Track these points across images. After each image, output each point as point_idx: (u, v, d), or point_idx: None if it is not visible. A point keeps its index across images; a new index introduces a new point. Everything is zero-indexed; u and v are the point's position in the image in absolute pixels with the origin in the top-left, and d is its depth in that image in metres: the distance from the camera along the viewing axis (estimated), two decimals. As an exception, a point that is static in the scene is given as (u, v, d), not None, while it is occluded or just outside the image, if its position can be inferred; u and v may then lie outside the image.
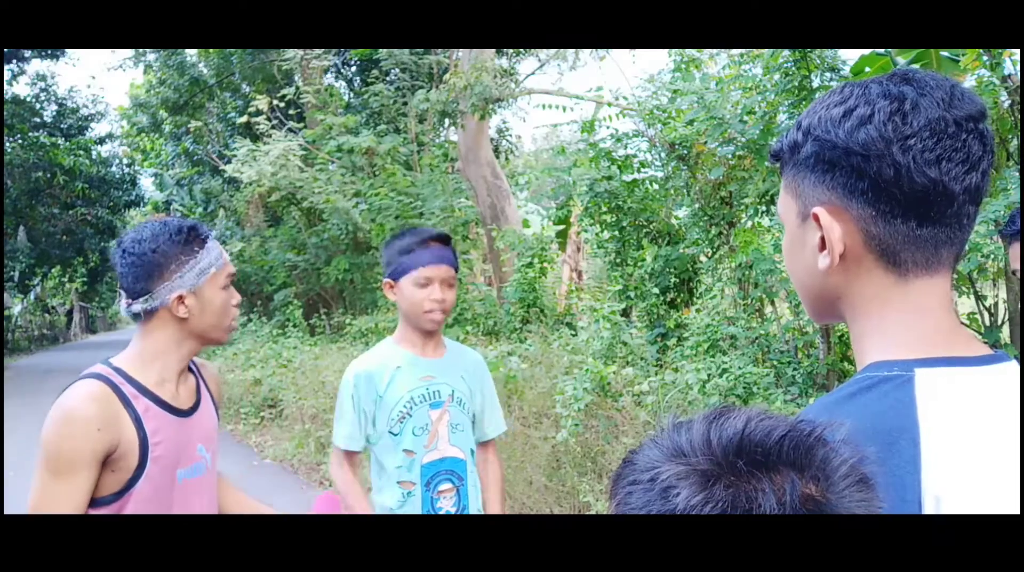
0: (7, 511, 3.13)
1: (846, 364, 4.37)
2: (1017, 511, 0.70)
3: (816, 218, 0.80)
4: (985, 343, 0.83)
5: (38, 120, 20.82)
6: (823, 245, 0.80)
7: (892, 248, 0.78)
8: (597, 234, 6.57)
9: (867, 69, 4.37)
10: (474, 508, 2.07)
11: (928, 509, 0.70)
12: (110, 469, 1.49)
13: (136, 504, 1.52)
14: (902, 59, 4.13)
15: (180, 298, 1.56)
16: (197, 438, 1.65)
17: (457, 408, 2.07)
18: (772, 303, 5.05)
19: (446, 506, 2.01)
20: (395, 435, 1.99)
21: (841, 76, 4.54)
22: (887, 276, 0.79)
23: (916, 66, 4.03)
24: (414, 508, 1.98)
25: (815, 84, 4.45)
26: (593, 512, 4.08)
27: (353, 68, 16.09)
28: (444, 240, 2.07)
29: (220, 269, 1.62)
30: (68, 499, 1.45)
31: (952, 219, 0.76)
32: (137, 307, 1.57)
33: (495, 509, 2.14)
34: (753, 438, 0.57)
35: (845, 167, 0.77)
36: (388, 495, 2.00)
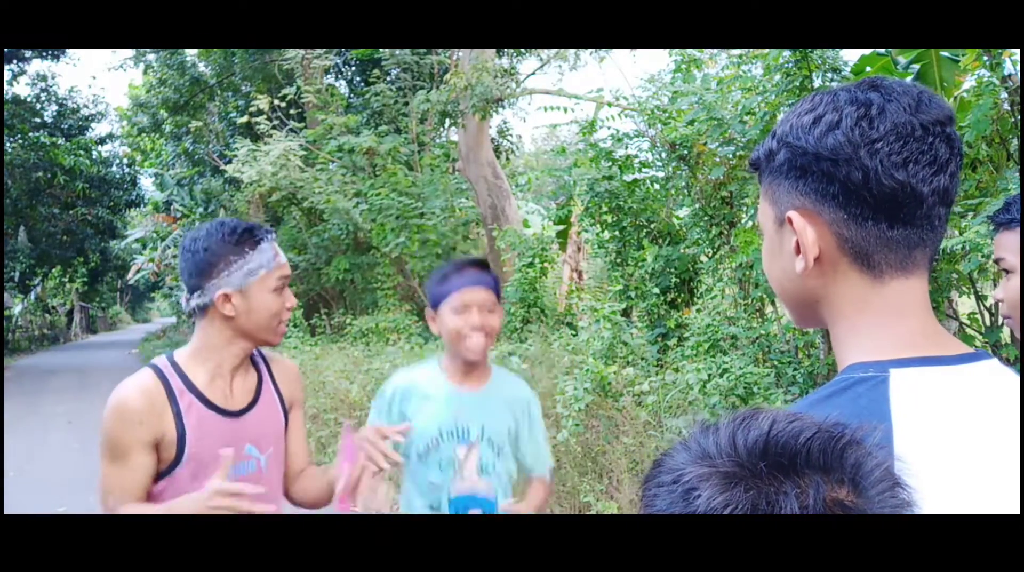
0: (7, 511, 3.13)
1: (847, 364, 4.36)
2: (998, 509, 0.70)
3: (790, 222, 0.82)
4: (986, 343, 0.84)
5: (38, 120, 20.76)
6: (799, 249, 0.82)
7: (865, 250, 0.79)
8: (597, 234, 6.58)
9: (868, 69, 4.36)
10: None
11: None
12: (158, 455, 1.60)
13: (175, 491, 1.59)
14: (902, 59, 4.13)
15: (226, 296, 1.62)
16: (247, 438, 1.68)
17: (486, 446, 1.98)
18: (773, 303, 5.05)
19: None
20: (421, 459, 1.96)
21: (842, 76, 4.53)
22: (862, 278, 0.81)
23: (916, 66, 4.03)
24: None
25: (816, 84, 4.45)
26: (593, 512, 4.08)
27: (354, 68, 16.09)
28: (481, 265, 2.01)
29: (271, 272, 1.66)
30: (124, 481, 1.57)
31: (923, 220, 0.78)
32: (192, 302, 1.65)
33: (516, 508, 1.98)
34: (779, 440, 0.56)
35: (816, 172, 0.79)
36: (418, 504, 1.97)
